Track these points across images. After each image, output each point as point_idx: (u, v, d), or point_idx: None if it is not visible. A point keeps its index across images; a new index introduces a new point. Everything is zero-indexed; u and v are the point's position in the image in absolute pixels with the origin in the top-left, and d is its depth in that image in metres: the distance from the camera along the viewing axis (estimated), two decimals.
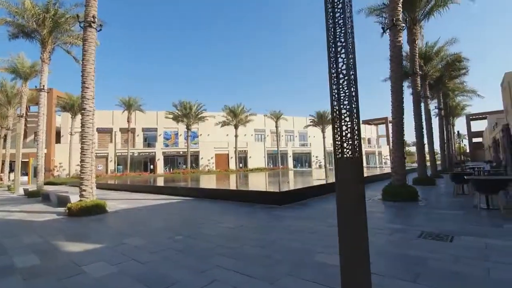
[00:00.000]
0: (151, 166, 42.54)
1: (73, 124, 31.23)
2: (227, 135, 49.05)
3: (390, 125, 70.10)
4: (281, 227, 5.38)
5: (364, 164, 67.63)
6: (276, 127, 42.75)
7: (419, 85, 14.11)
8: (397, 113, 8.63)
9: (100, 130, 40.02)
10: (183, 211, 7.86)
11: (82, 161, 7.71)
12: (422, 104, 16.04)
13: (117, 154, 39.01)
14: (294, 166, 53.40)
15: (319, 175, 21.81)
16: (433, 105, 40.36)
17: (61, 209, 8.61)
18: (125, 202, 10.10)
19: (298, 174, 26.36)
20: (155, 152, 43.01)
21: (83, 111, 7.75)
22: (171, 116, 34.90)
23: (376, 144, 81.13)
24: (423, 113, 14.93)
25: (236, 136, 36.32)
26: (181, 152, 45.94)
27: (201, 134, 47.23)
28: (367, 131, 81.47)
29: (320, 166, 56.98)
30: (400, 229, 4.89)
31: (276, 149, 53.32)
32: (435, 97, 25.35)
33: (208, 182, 17.06)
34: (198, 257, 3.74)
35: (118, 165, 39.18)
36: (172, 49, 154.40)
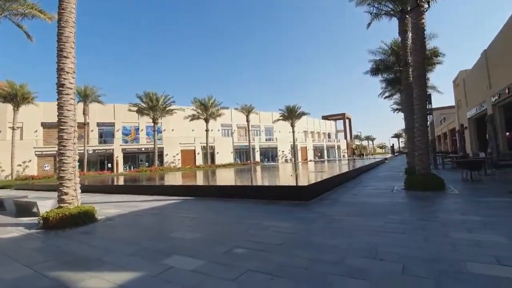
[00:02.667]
0: (109, 165, 38.32)
1: (16, 117, 26.26)
2: (193, 130, 46.59)
3: (347, 121, 74.52)
4: (349, 227, 4.40)
5: (325, 157, 70.57)
6: (247, 121, 41.64)
7: (411, 76, 14.26)
8: (421, 99, 8.24)
9: (46, 125, 34.59)
10: (200, 214, 6.41)
11: (60, 154, 5.76)
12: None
13: None
14: (261, 161, 53.04)
15: (308, 168, 21.40)
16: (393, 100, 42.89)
17: (26, 220, 6.50)
18: (111, 205, 8.17)
19: (275, 168, 25.75)
20: (113, 149, 38.83)
21: (61, 89, 5.77)
22: (134, 108, 31.45)
23: (335, 139, 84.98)
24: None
25: (207, 130, 34.33)
26: (143, 149, 42.30)
27: (164, 130, 43.99)
28: (327, 126, 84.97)
29: (286, 161, 57.59)
30: (488, 222, 4.27)
31: (243, 144, 52.37)
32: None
33: (194, 179, 15.35)
34: (306, 279, 2.56)
35: None
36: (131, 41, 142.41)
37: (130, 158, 40.74)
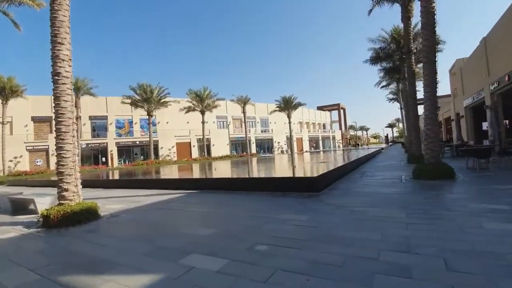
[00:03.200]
0: (103, 159, 37.62)
1: (5, 111, 25.31)
2: (188, 122, 45.94)
3: (341, 111, 74.41)
4: (371, 219, 4.20)
5: (320, 148, 70.75)
6: (244, 112, 41.13)
7: (414, 64, 14.05)
8: (431, 85, 8.01)
9: (37, 119, 33.58)
10: (211, 208, 6.13)
11: (59, 148, 5.39)
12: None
13: None
14: (257, 153, 52.85)
15: (304, 159, 21.24)
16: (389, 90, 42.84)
17: (23, 218, 6.16)
18: (113, 201, 7.85)
19: (274, 160, 25.57)
20: (106, 143, 38.05)
21: (56, 78, 5.34)
22: (128, 101, 30.58)
23: (330, 129, 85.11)
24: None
25: (203, 122, 33.77)
26: (137, 142, 41.63)
27: (159, 122, 43.27)
28: (322, 117, 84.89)
29: (282, 152, 57.53)
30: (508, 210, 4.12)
31: (239, 135, 51.94)
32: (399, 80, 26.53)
33: (195, 172, 15.04)
34: (347, 279, 2.34)
35: None
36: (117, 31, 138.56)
37: (125, 151, 40.06)
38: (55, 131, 5.42)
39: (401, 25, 18.41)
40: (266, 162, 21.81)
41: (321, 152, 39.08)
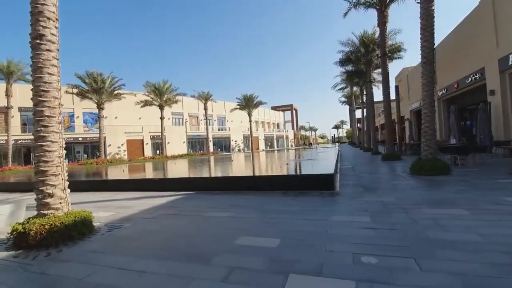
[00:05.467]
0: None
1: None
2: (140, 118, 42.42)
3: (294, 112, 77.54)
4: (446, 219, 3.93)
5: (275, 147, 72.38)
6: (205, 109, 39.38)
7: (388, 67, 14.85)
8: (429, 85, 8.34)
9: None
10: (234, 212, 5.18)
11: (40, 138, 3.92)
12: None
13: None
14: (215, 151, 51.46)
15: (276, 157, 20.97)
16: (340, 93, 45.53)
17: None
18: (95, 207, 6.19)
19: (241, 158, 24.89)
20: None
21: (38, 41, 3.85)
22: (74, 90, 26.48)
23: (284, 129, 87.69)
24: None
25: (162, 118, 31.21)
26: (80, 139, 36.84)
27: (106, 117, 38.76)
28: (276, 117, 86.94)
29: (239, 150, 57.15)
30: None
31: (196, 133, 49.95)
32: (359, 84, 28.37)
33: (171, 172, 13.47)
34: None
35: None
36: None
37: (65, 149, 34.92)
38: (34, 114, 3.93)
39: (369, 30, 19.59)
40: (235, 160, 21.00)
41: (276, 151, 39.63)
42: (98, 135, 29.49)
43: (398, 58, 19.90)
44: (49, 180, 3.93)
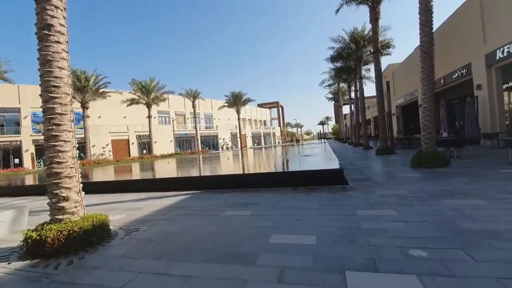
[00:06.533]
0: (16, 160, 30.57)
1: None
2: (125, 117, 41.14)
3: (280, 109, 77.64)
4: (472, 209, 4.00)
5: (262, 144, 72.54)
6: (193, 107, 38.70)
7: (380, 63, 15.10)
8: (429, 79, 8.52)
9: None
10: (246, 209, 5.03)
11: (52, 138, 3.63)
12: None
13: None
14: (203, 149, 50.86)
15: (271, 154, 20.94)
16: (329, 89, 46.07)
17: None
18: (103, 210, 5.89)
19: (234, 156, 24.71)
20: (20, 141, 31.13)
21: (46, 32, 3.54)
22: None
23: (271, 126, 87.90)
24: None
25: (149, 117, 30.40)
26: None
27: (89, 116, 37.31)
28: (263, 114, 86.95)
29: (227, 148, 56.79)
30: None
31: (183, 132, 49.11)
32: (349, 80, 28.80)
33: (171, 171, 13.10)
34: None
35: None
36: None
37: (43, 151, 33.31)
38: (44, 112, 3.64)
39: (359, 27, 19.84)
40: (233, 158, 20.80)
41: (270, 148, 39.69)
42: (82, 136, 28.34)
43: (387, 54, 20.30)
44: (63, 183, 3.66)
